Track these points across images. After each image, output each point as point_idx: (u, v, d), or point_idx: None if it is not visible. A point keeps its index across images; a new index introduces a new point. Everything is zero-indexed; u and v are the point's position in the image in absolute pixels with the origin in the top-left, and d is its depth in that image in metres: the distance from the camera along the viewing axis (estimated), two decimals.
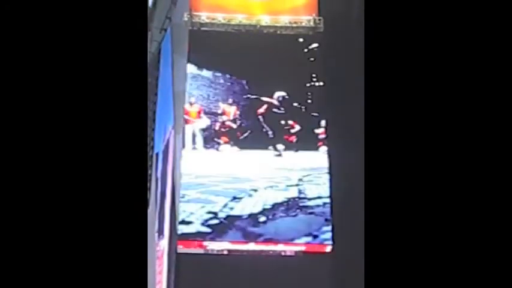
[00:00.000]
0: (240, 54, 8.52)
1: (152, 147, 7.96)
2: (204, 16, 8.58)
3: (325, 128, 8.21)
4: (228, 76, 8.57)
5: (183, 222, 7.55)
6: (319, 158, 8.17)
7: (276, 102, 8.42)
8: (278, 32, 8.62)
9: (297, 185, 8.05)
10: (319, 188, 7.93)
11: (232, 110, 8.45)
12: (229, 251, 7.42)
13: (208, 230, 7.54)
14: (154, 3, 7.93)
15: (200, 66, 8.50)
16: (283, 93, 8.42)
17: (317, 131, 8.29)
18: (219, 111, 8.45)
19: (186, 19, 8.48)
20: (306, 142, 8.26)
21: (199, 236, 7.48)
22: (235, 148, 8.26)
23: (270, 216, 7.70)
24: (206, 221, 7.61)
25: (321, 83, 8.37)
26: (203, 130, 8.26)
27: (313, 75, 8.48)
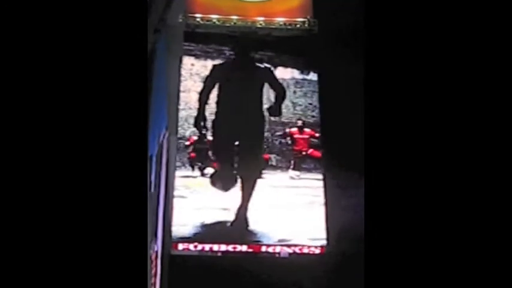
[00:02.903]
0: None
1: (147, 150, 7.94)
2: (198, 17, 8.55)
3: (321, 129, 8.25)
4: None
5: (177, 224, 7.54)
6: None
7: None
8: (273, 33, 8.61)
9: None
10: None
11: None
12: (223, 252, 7.42)
13: (202, 231, 7.55)
14: (148, 4, 7.88)
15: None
16: None
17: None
18: None
19: (180, 20, 8.44)
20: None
21: (193, 237, 7.47)
22: None
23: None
24: (200, 222, 7.62)
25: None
26: None
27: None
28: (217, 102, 8.11)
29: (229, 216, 7.69)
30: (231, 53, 8.44)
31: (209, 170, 8.00)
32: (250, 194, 7.75)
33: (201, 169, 8.00)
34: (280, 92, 8.20)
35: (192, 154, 8.05)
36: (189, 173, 7.99)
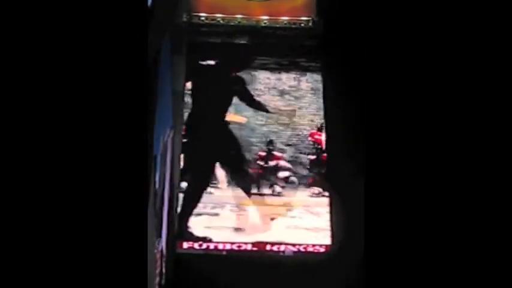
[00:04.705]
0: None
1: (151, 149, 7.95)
2: (203, 17, 8.57)
3: (324, 129, 8.24)
4: None
5: (181, 223, 7.57)
6: None
7: None
8: (277, 32, 8.61)
9: None
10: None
11: None
12: (228, 251, 7.44)
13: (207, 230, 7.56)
14: (152, 4, 7.90)
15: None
16: None
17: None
18: None
19: (185, 19, 8.45)
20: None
21: (198, 236, 7.49)
22: None
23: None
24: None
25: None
26: None
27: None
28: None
29: None
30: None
31: (278, 189, 7.88)
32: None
33: (271, 186, 7.84)
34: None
35: (260, 170, 7.93)
36: (256, 190, 7.85)
